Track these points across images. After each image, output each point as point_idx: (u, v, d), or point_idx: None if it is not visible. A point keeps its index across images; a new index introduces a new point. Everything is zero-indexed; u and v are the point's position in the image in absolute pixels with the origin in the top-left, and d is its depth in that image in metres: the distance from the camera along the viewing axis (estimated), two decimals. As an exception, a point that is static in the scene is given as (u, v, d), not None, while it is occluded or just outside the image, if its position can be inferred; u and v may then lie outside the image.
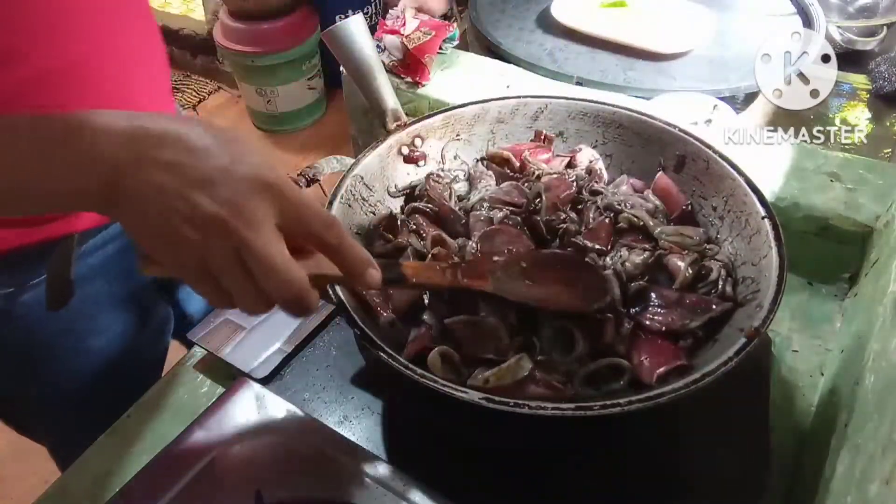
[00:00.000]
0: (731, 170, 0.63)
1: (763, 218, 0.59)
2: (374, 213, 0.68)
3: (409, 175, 0.73)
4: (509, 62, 1.08)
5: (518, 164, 0.73)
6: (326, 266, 0.45)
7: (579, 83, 1.04)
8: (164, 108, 0.73)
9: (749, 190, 0.61)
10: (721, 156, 0.65)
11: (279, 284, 0.39)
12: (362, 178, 0.68)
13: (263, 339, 0.70)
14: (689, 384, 0.47)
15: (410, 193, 0.72)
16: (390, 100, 0.72)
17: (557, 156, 0.74)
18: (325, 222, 0.42)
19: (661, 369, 0.52)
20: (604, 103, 0.74)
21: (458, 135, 0.75)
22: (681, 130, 0.69)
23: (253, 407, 0.61)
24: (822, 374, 0.70)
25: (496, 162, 0.74)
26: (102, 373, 0.77)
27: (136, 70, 0.66)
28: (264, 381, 0.66)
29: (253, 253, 0.38)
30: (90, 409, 0.76)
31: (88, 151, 0.38)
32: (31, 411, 0.82)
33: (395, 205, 0.71)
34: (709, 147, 0.66)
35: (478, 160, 0.76)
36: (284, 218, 0.40)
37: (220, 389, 0.70)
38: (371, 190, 0.69)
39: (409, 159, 0.73)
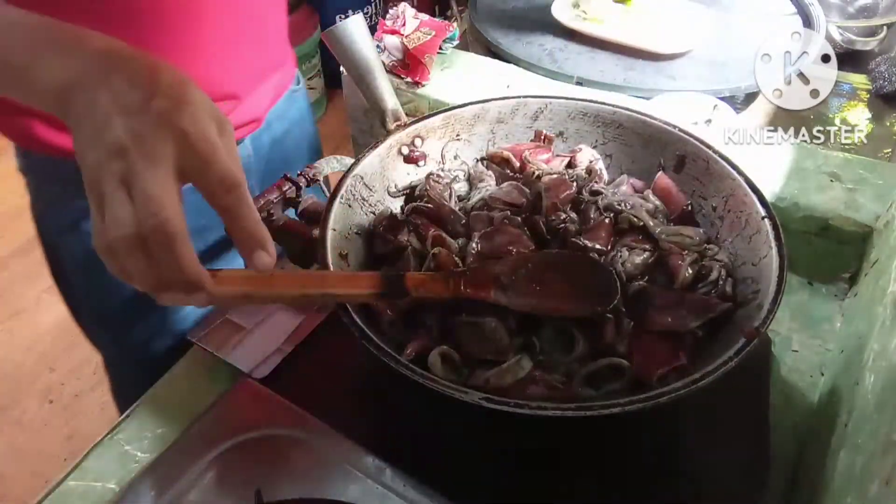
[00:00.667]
0: (731, 170, 0.63)
1: (763, 218, 0.59)
2: (373, 213, 0.68)
3: (409, 175, 0.73)
4: (509, 62, 1.08)
5: (518, 164, 0.73)
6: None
7: (579, 83, 1.04)
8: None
9: (749, 190, 0.61)
10: (721, 156, 0.65)
11: (149, 217, 0.38)
12: (362, 178, 0.68)
13: (263, 339, 0.70)
14: (688, 384, 0.47)
15: (410, 193, 0.72)
16: (390, 100, 0.72)
17: (557, 156, 0.74)
18: (224, 181, 0.41)
19: (661, 369, 0.52)
20: (604, 103, 0.74)
21: (458, 135, 0.75)
22: (681, 130, 0.68)
23: (253, 407, 0.62)
24: (822, 374, 0.70)
25: (496, 162, 0.74)
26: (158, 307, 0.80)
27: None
28: (264, 381, 0.66)
29: (137, 182, 0.38)
30: (143, 346, 0.81)
31: (73, 49, 0.42)
32: (95, 322, 0.86)
33: (395, 205, 0.71)
34: (709, 147, 0.66)
35: (478, 160, 0.76)
36: (186, 166, 0.40)
37: (221, 389, 0.70)
38: (371, 190, 0.69)
39: (409, 159, 0.73)
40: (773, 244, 0.56)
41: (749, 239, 0.60)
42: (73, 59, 0.42)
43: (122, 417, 0.68)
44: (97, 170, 0.39)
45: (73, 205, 0.71)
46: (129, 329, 0.83)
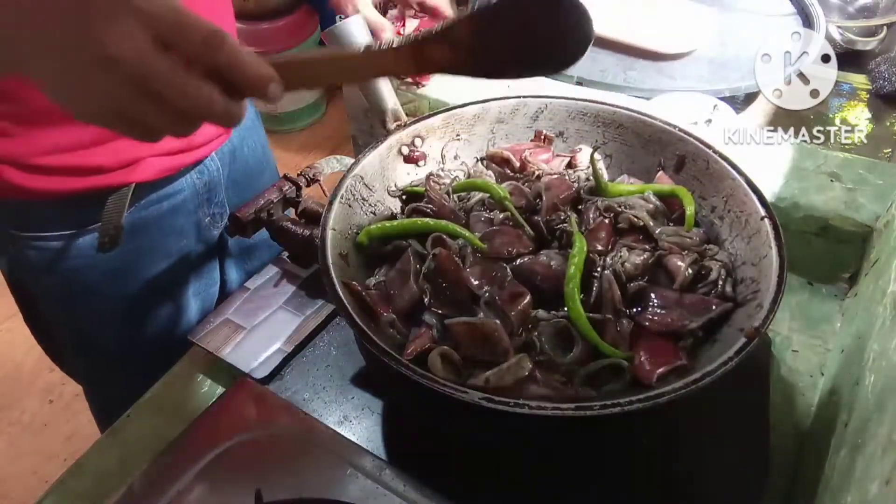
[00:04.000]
0: (731, 170, 0.63)
1: (763, 218, 0.59)
2: (374, 213, 0.68)
3: (409, 175, 0.73)
4: (509, 62, 1.07)
5: (518, 164, 0.73)
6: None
7: (579, 83, 1.04)
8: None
9: (749, 190, 0.61)
10: (721, 156, 0.65)
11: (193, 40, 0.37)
12: (362, 178, 0.68)
13: (263, 339, 0.70)
14: (688, 384, 0.47)
15: (410, 195, 0.72)
16: (390, 100, 0.72)
17: (557, 156, 0.74)
18: (209, 40, 0.38)
19: (661, 369, 0.52)
20: (604, 103, 0.74)
21: (458, 135, 0.75)
22: (681, 130, 0.69)
23: (253, 407, 0.62)
24: (822, 374, 0.70)
25: (496, 162, 0.74)
26: (142, 324, 0.81)
27: None
28: (264, 381, 0.66)
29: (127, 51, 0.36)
30: (125, 360, 0.82)
31: None
32: (72, 352, 0.86)
33: (395, 205, 0.71)
34: (709, 147, 0.66)
35: (478, 160, 0.76)
36: (162, 34, 0.37)
37: (220, 389, 0.70)
38: (371, 190, 0.69)
39: (409, 159, 0.73)
40: (773, 244, 0.56)
41: (749, 239, 0.60)
42: None
43: (122, 417, 0.68)
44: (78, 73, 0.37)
45: (46, 245, 0.71)
46: (115, 362, 0.83)
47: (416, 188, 0.70)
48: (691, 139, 0.67)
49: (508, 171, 0.73)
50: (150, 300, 0.80)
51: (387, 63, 0.45)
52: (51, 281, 0.74)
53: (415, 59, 0.44)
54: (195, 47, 0.38)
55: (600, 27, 1.13)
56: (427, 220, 0.64)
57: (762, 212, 0.59)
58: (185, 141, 0.72)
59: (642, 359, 0.53)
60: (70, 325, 0.81)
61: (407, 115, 0.73)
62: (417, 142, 0.73)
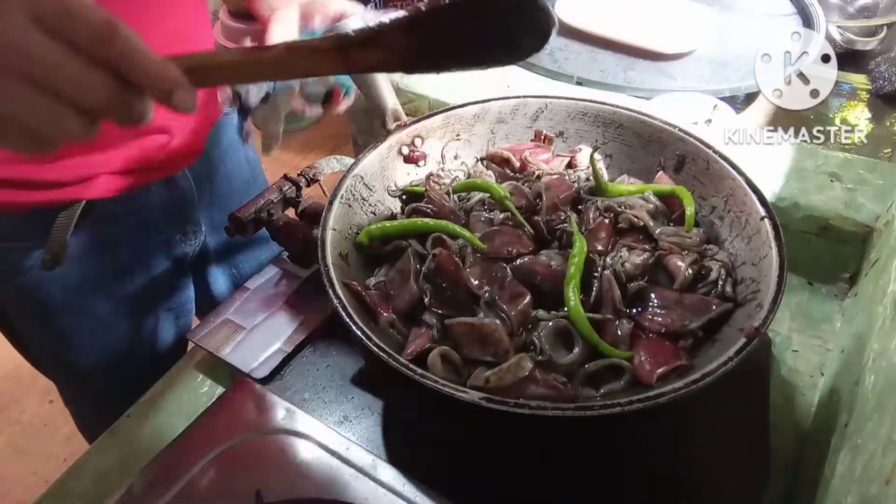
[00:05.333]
0: (731, 170, 0.63)
1: (763, 218, 0.59)
2: (374, 213, 0.68)
3: (409, 175, 0.73)
4: (509, 62, 1.07)
5: (518, 164, 0.73)
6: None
7: (579, 83, 1.04)
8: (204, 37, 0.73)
9: (749, 190, 0.61)
10: (721, 156, 0.65)
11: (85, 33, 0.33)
12: (362, 178, 0.68)
13: (263, 339, 0.70)
14: (689, 384, 0.47)
15: (409, 195, 0.72)
16: (390, 100, 0.72)
17: (557, 156, 0.74)
18: (99, 29, 0.34)
19: (661, 369, 0.52)
20: (604, 103, 0.74)
21: (458, 135, 0.75)
22: (681, 130, 0.69)
23: (253, 407, 0.62)
24: (822, 374, 0.70)
25: (496, 162, 0.74)
26: (112, 341, 0.79)
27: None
28: (264, 381, 0.66)
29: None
30: (96, 377, 0.80)
31: None
32: (46, 366, 0.86)
33: (395, 205, 0.71)
34: (709, 147, 0.66)
35: (478, 160, 0.76)
36: (48, 25, 0.33)
37: (220, 389, 0.70)
38: (371, 190, 0.69)
39: (409, 159, 0.73)
40: (773, 244, 0.56)
41: (749, 239, 0.60)
42: None
43: (122, 417, 0.68)
44: None
45: (6, 258, 0.70)
46: (87, 378, 0.82)
47: (416, 188, 0.70)
48: (691, 139, 0.67)
49: (508, 171, 0.73)
50: (119, 317, 0.78)
51: (310, 63, 0.42)
52: (15, 293, 0.73)
53: (342, 60, 0.42)
54: (83, 37, 0.34)
55: (600, 27, 1.14)
56: (427, 220, 0.64)
57: (762, 212, 0.59)
58: (144, 157, 0.69)
59: (642, 359, 0.53)
60: (39, 339, 0.80)
61: (407, 115, 0.73)
62: (417, 142, 0.73)
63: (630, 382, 0.53)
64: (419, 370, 0.49)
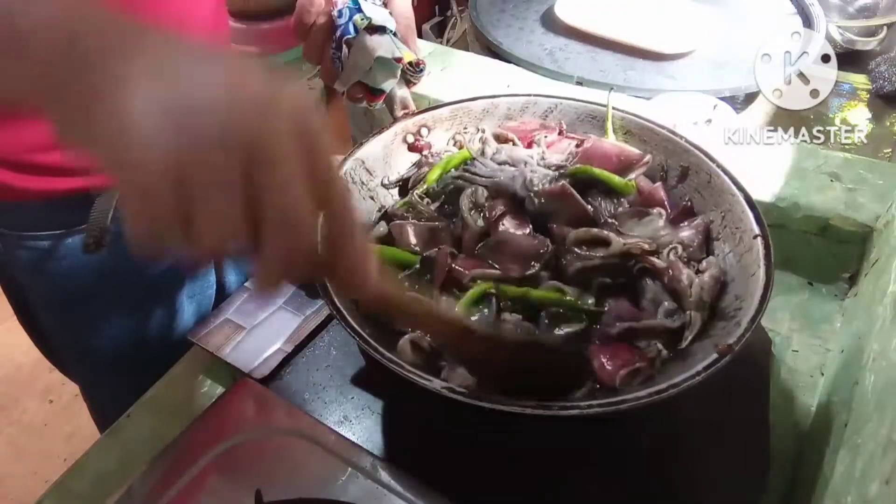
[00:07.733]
0: (732, 185, 0.62)
1: (756, 237, 0.58)
2: (372, 199, 0.68)
3: (412, 164, 0.72)
4: (509, 62, 1.08)
5: (524, 146, 0.72)
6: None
7: (579, 83, 1.04)
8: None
9: (747, 207, 0.60)
10: (724, 170, 0.63)
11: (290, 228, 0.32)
12: (363, 163, 0.67)
13: (263, 339, 0.70)
14: (651, 394, 0.46)
15: (404, 185, 0.71)
16: (399, 88, 0.72)
17: (567, 137, 0.72)
18: (333, 184, 0.33)
19: (624, 371, 0.51)
20: (615, 109, 0.73)
21: (465, 127, 0.74)
22: (687, 141, 0.67)
23: (253, 407, 0.62)
24: (822, 374, 0.70)
25: (500, 142, 0.73)
26: (137, 326, 0.80)
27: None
28: (264, 381, 0.66)
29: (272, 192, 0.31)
30: (120, 363, 0.81)
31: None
32: (68, 354, 0.86)
33: (390, 199, 0.71)
34: (713, 161, 0.65)
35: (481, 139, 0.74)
36: (320, 201, 0.32)
37: (220, 389, 0.70)
38: (372, 175, 0.68)
39: (413, 147, 0.72)
40: (762, 263, 0.55)
41: (741, 256, 0.59)
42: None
43: (121, 417, 0.68)
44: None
45: (36, 245, 0.71)
46: (111, 364, 0.82)
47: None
48: (697, 151, 0.66)
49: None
50: (144, 303, 0.80)
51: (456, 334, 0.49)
52: (43, 282, 0.74)
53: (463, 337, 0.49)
54: (334, 210, 0.34)
55: (600, 27, 1.14)
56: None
57: (756, 230, 0.58)
58: None
59: (603, 361, 0.53)
60: (64, 327, 0.81)
61: (410, 108, 0.72)
62: (424, 131, 0.72)
63: (593, 389, 0.53)
64: (387, 354, 0.49)
